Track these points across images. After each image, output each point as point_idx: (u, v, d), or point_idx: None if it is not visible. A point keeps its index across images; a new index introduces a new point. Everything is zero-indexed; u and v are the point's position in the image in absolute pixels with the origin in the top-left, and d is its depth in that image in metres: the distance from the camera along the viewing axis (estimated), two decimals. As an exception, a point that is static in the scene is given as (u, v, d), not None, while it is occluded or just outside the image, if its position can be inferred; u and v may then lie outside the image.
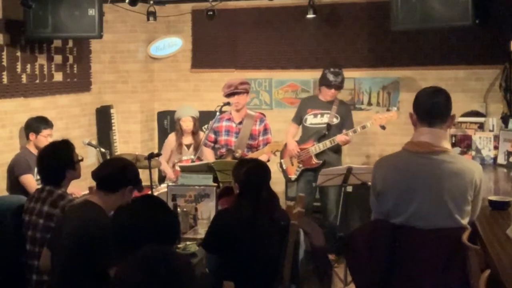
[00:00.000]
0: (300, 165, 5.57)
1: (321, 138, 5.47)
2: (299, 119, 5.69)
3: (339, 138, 5.33)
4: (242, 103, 5.19)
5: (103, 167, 3.20)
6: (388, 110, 6.17)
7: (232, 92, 5.13)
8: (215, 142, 5.31)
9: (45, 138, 5.11)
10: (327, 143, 5.40)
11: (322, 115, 5.56)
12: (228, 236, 3.35)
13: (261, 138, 5.20)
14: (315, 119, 5.58)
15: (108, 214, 3.02)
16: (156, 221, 2.22)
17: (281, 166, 5.72)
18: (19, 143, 5.53)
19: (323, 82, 5.53)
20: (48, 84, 5.99)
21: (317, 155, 5.48)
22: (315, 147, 5.46)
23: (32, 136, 5.16)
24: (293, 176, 5.65)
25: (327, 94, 5.53)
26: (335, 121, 5.51)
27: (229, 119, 5.26)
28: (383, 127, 5.33)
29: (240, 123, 5.21)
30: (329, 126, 5.48)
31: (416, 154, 2.89)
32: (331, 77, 5.46)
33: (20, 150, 5.43)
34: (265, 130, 5.22)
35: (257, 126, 5.20)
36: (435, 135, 2.88)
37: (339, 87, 5.52)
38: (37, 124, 5.20)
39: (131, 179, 3.13)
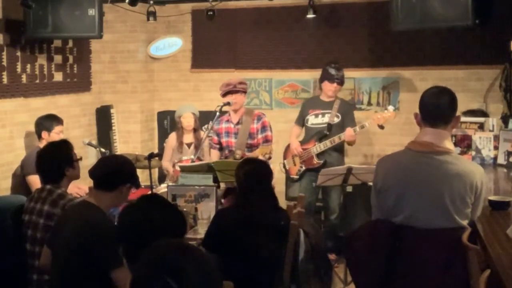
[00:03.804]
0: (302, 166, 5.58)
1: (322, 138, 5.46)
2: (301, 121, 5.71)
3: (347, 133, 5.29)
4: (240, 103, 5.17)
5: (100, 165, 3.18)
6: (386, 109, 6.17)
7: (229, 90, 5.13)
8: (220, 143, 5.30)
9: (57, 135, 5.12)
10: (327, 143, 5.40)
11: (323, 115, 5.56)
12: (227, 236, 3.36)
13: (260, 136, 5.15)
14: (316, 119, 5.58)
15: (106, 213, 3.02)
16: (165, 217, 2.23)
17: (284, 166, 5.74)
18: (19, 143, 5.53)
19: (326, 76, 5.55)
20: (48, 84, 5.99)
21: (319, 155, 5.48)
22: (316, 147, 5.46)
23: (45, 134, 5.14)
24: (295, 176, 5.66)
25: (329, 90, 5.53)
26: (336, 120, 5.51)
27: (227, 121, 5.25)
28: (381, 127, 5.33)
29: (238, 123, 5.20)
30: (329, 125, 5.48)
31: (419, 153, 2.88)
32: (333, 71, 5.50)
33: (25, 149, 5.44)
34: (264, 128, 5.17)
35: (255, 124, 5.18)
36: (438, 136, 2.87)
37: (341, 81, 5.55)
38: (49, 122, 5.19)
39: (129, 177, 3.12)
